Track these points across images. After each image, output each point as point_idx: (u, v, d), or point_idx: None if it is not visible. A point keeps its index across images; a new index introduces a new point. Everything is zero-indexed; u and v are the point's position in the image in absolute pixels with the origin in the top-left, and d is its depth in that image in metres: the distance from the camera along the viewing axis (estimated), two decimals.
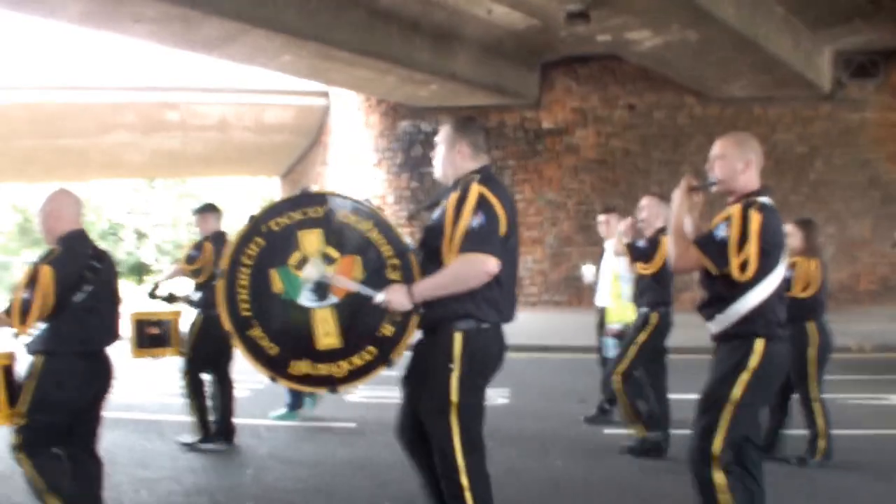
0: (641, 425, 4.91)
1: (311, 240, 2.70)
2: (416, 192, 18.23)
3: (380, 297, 2.61)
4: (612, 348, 5.78)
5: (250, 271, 2.72)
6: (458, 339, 2.64)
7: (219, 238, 5.37)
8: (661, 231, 4.90)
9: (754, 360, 2.75)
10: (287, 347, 2.71)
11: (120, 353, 3.80)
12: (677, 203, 2.92)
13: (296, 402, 6.27)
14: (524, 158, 18.77)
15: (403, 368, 2.89)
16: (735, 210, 2.79)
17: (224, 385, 5.35)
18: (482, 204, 2.64)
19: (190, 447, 5.28)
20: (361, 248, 2.69)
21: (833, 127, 18.35)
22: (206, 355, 5.22)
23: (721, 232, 2.78)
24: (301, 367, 2.70)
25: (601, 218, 6.19)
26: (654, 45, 13.97)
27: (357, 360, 2.70)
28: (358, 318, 2.70)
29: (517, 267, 2.81)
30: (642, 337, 4.87)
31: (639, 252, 4.90)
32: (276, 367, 2.72)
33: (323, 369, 2.70)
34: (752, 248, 2.71)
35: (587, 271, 6.48)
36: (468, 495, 2.61)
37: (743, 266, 2.72)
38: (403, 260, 2.73)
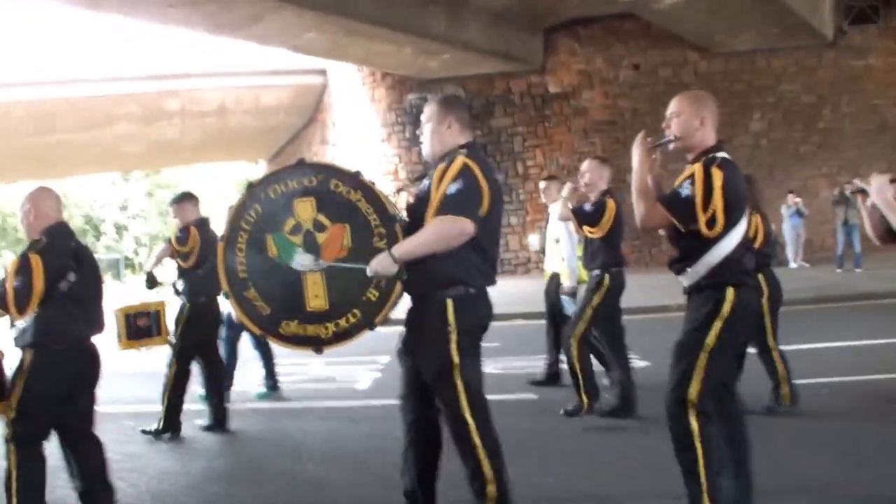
0: (585, 394, 4.91)
1: (305, 207, 2.87)
2: (427, 164, 17.99)
3: (370, 271, 2.76)
4: (568, 307, 5.80)
5: (248, 236, 2.89)
6: (450, 305, 2.78)
7: (202, 224, 5.34)
8: (606, 193, 4.91)
9: (726, 308, 2.81)
10: (279, 308, 2.89)
11: (107, 345, 3.82)
12: (638, 162, 2.94)
13: (273, 381, 6.25)
14: (533, 124, 18.66)
15: (399, 342, 3.01)
16: (697, 168, 2.83)
17: (214, 369, 5.33)
18: (463, 173, 2.77)
19: (149, 433, 5.13)
20: (351, 217, 2.85)
21: (838, 74, 18.49)
22: (195, 343, 5.20)
23: (686, 190, 2.83)
24: (291, 327, 2.88)
25: (542, 185, 6.17)
26: (675, 1, 13.86)
27: (343, 323, 2.87)
28: (345, 283, 2.85)
29: (499, 238, 3.00)
30: (596, 300, 4.87)
31: (585, 216, 4.90)
32: (267, 326, 2.91)
33: (311, 330, 2.88)
34: (718, 204, 2.76)
35: (532, 240, 6.48)
36: (481, 453, 2.75)
37: (709, 222, 2.78)
38: (389, 229, 2.88)
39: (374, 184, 2.94)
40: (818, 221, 17.64)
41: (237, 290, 2.90)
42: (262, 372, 6.28)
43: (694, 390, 2.79)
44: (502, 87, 18.53)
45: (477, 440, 2.75)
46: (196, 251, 5.17)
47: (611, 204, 4.81)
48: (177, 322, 5.18)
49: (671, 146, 3.00)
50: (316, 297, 2.85)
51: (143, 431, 5.15)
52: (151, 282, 5.46)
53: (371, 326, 2.88)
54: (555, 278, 6.14)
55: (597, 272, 4.92)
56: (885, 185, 2.94)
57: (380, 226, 2.88)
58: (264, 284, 2.89)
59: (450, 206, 2.73)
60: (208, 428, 5.26)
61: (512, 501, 2.82)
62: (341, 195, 2.88)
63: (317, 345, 2.90)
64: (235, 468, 4.49)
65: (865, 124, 18.41)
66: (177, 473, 4.44)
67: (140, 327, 4.93)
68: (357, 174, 2.92)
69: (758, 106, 18.65)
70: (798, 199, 16.98)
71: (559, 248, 5.87)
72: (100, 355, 3.48)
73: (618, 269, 4.93)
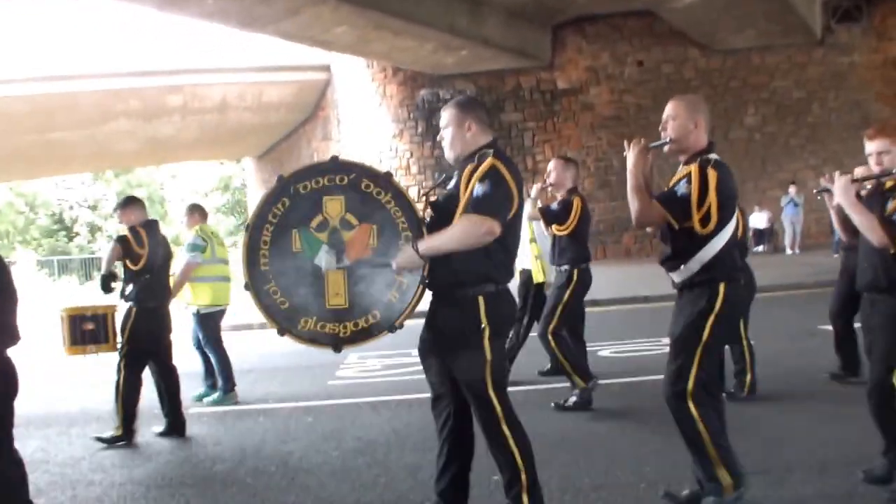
0: (579, 377, 5.00)
1: (335, 205, 2.88)
2: (439, 159, 18.26)
3: (393, 265, 2.78)
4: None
5: (273, 228, 2.88)
6: (481, 302, 2.83)
7: (150, 226, 5.17)
8: (572, 191, 5.04)
9: (719, 304, 2.97)
10: (298, 304, 2.88)
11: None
12: (633, 162, 3.06)
13: (228, 384, 6.03)
14: (542, 119, 19.07)
15: (421, 341, 3.03)
16: (693, 168, 2.97)
17: (167, 375, 5.08)
18: (492, 174, 2.82)
19: (103, 441, 4.81)
20: (379, 218, 2.87)
21: (826, 71, 19.47)
22: (143, 348, 4.99)
23: (682, 189, 2.98)
24: (309, 324, 2.88)
25: None
26: (693, 1, 14.43)
27: (362, 323, 2.88)
28: (367, 283, 2.87)
29: (520, 236, 3.08)
30: (566, 295, 4.99)
31: (553, 214, 5.02)
32: (286, 321, 2.89)
33: (329, 328, 2.88)
34: (713, 203, 2.92)
35: None
36: (512, 442, 2.84)
37: (703, 219, 2.93)
38: (415, 231, 2.91)
39: (404, 188, 3.02)
40: (806, 211, 18.53)
41: (258, 282, 2.87)
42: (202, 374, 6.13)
43: (692, 384, 2.97)
44: (512, 83, 18.88)
45: (507, 431, 2.83)
46: (147, 253, 5.00)
47: (577, 202, 4.94)
48: (123, 327, 4.97)
49: (666, 148, 3.11)
50: (336, 295, 2.85)
51: (98, 439, 4.84)
52: (108, 284, 5.10)
53: (391, 329, 2.89)
54: (524, 273, 6.30)
55: (565, 268, 5.04)
56: (847, 186, 3.14)
57: (407, 229, 2.89)
58: (285, 279, 2.87)
59: (477, 206, 2.77)
60: (163, 434, 4.96)
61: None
62: (371, 196, 2.89)
63: (335, 344, 2.89)
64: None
65: (850, 119, 19.39)
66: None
67: (86, 332, 4.70)
68: (388, 176, 2.96)
69: (752, 101, 19.51)
70: (792, 190, 17.90)
71: (533, 247, 6.04)
72: (15, 370, 2.98)
73: (585, 264, 5.05)
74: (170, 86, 18.69)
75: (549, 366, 6.10)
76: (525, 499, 2.82)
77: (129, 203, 5.27)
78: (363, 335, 2.88)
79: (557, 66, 18.96)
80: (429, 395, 3.09)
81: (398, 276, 2.86)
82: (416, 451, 4.39)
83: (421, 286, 2.87)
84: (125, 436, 4.82)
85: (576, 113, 19.02)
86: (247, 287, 2.90)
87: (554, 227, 5.04)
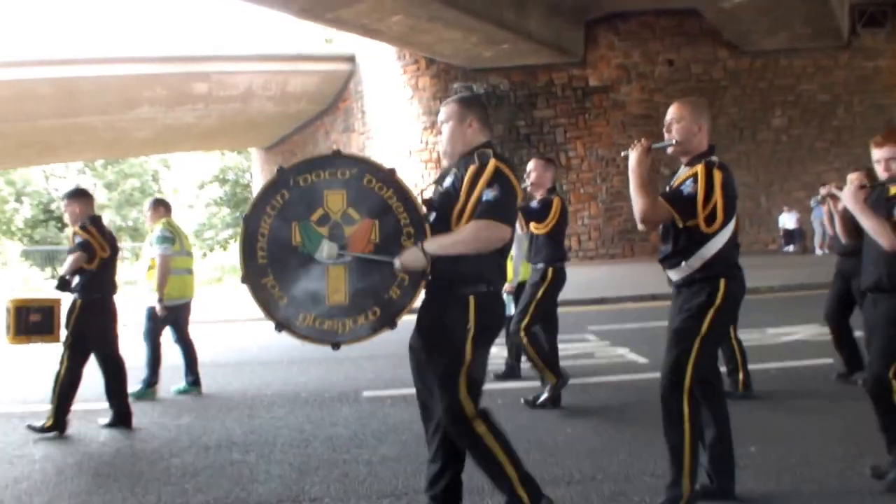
0: (550, 373, 5.03)
1: (336, 199, 2.83)
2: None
3: (397, 263, 2.73)
4: (509, 304, 5.80)
5: (272, 221, 2.80)
6: (471, 301, 2.80)
7: (97, 223, 5.09)
8: (552, 191, 5.12)
9: (719, 298, 3.04)
10: (297, 300, 2.80)
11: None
12: (636, 162, 3.10)
13: (195, 377, 6.07)
14: (574, 116, 18.99)
15: (411, 338, 2.97)
16: (700, 169, 3.04)
17: (113, 367, 5.05)
18: (499, 177, 2.79)
19: (35, 430, 4.82)
20: (380, 214, 2.82)
21: (851, 75, 19.71)
22: (87, 340, 4.96)
23: (688, 188, 3.04)
24: (308, 320, 2.80)
25: None
26: (741, 1, 14.46)
27: (361, 320, 2.82)
28: (368, 279, 2.82)
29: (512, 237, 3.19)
30: (540, 293, 5.05)
31: (532, 213, 5.10)
32: (284, 317, 2.81)
33: (328, 325, 2.81)
34: (719, 203, 2.99)
35: None
36: (491, 441, 2.78)
37: (708, 218, 3.00)
38: (418, 229, 2.85)
39: (405, 184, 2.88)
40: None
41: (255, 276, 2.77)
42: (183, 367, 6.08)
43: (688, 375, 3.00)
44: (545, 79, 18.77)
45: (483, 429, 2.76)
46: (99, 258, 4.92)
47: (556, 202, 5.01)
48: (68, 319, 4.94)
49: (670, 150, 3.16)
50: (337, 291, 2.78)
51: (30, 427, 4.85)
52: (64, 284, 5.06)
53: (392, 325, 2.81)
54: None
55: (541, 265, 5.09)
56: (857, 192, 3.24)
57: (409, 225, 2.83)
58: (284, 273, 2.77)
59: (490, 211, 2.74)
60: (109, 425, 4.96)
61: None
62: (373, 191, 2.82)
63: (334, 341, 2.81)
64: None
65: (873, 122, 19.65)
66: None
67: (31, 322, 4.75)
68: (392, 172, 2.86)
69: (779, 103, 19.67)
70: (823, 191, 18.08)
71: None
72: None
73: (561, 263, 5.11)
74: (197, 73, 18.27)
75: (504, 369, 6.03)
76: (521, 492, 2.75)
77: (78, 195, 5.10)
78: (363, 332, 2.80)
79: (590, 62, 18.90)
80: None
81: (400, 273, 2.79)
82: (635, 424, 4.41)
83: (422, 283, 2.80)
84: (56, 426, 4.79)
85: (607, 110, 18.99)
86: (244, 280, 2.77)
87: (532, 225, 5.08)
